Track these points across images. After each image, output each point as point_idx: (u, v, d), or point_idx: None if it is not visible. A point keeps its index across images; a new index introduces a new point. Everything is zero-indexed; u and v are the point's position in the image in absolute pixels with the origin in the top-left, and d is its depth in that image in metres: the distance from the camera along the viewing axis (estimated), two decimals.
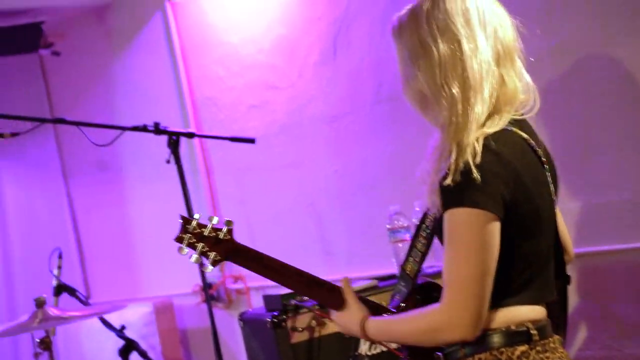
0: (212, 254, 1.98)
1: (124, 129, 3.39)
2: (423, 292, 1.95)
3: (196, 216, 1.99)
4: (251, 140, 3.47)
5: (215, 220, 1.98)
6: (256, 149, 3.72)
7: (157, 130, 3.37)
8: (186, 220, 1.98)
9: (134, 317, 4.29)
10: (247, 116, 4.21)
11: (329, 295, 2.02)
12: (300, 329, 2.93)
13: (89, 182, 5.13)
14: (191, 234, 1.97)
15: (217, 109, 4.37)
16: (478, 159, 1.65)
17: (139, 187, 4.83)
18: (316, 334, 2.96)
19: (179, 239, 1.97)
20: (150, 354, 3.87)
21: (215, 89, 4.36)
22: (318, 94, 3.90)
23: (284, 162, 4.09)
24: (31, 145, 4.95)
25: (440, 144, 1.71)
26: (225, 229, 1.98)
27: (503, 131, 1.72)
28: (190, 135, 3.53)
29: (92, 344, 4.39)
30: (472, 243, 1.65)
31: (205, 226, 1.97)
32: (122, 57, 4.81)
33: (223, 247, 1.98)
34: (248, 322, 3.16)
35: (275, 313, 2.94)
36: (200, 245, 1.97)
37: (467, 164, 1.65)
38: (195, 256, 1.98)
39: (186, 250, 1.97)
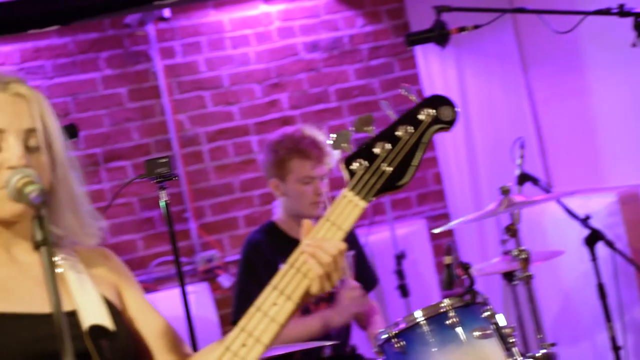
0: None
1: (586, 13, 3.28)
2: None
3: None
4: None
5: None
6: None
7: (622, 12, 3.20)
8: None
9: (598, 207, 4.21)
10: None
11: None
12: None
13: (548, 72, 5.09)
14: None
15: None
16: None
17: (602, 74, 4.67)
18: None
19: None
20: (617, 245, 3.80)
21: None
22: None
23: None
24: (490, 37, 5.02)
25: None
26: None
27: None
28: None
29: (556, 232, 4.43)
30: None
31: None
32: None
33: None
34: None
35: None
36: None
37: None
38: None
39: None
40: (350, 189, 1.76)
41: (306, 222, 1.79)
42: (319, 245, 1.72)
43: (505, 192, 3.26)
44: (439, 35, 3.25)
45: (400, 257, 4.77)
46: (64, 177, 1.79)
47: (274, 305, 1.71)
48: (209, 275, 4.98)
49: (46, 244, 1.43)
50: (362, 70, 5.32)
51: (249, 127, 5.14)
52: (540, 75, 5.16)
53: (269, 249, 3.60)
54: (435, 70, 5.25)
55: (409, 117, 1.78)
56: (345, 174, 1.77)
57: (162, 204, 2.67)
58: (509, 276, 3.55)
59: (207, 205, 5.07)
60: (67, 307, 1.70)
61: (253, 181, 5.10)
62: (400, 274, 4.76)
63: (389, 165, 1.76)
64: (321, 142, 3.59)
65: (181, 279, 2.63)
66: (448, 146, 5.28)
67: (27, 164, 1.69)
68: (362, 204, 1.76)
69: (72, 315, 1.70)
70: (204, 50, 5.08)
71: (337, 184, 5.10)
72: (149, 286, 4.82)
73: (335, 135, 1.79)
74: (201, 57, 5.08)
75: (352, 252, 3.76)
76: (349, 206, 1.75)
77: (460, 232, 5.24)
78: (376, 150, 1.76)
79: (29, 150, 1.73)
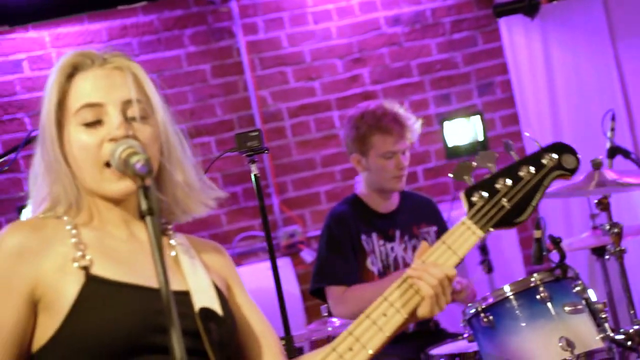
0: None
1: None
2: None
3: None
4: None
5: None
6: None
7: None
8: None
9: None
10: None
11: None
12: None
13: (638, 43, 4.96)
14: None
15: None
16: None
17: None
18: None
19: None
20: None
21: None
22: None
23: None
24: (578, 8, 4.91)
25: None
26: None
27: None
28: None
29: None
30: None
31: None
32: None
33: None
34: None
35: None
36: None
37: None
38: None
39: None
40: (469, 217, 1.84)
41: (423, 244, 1.85)
42: (426, 269, 1.77)
43: (597, 165, 3.19)
44: (528, 5, 3.20)
45: None
46: (169, 146, 1.80)
47: (383, 315, 1.75)
48: (291, 251, 5.02)
49: (151, 214, 1.44)
50: (445, 44, 5.26)
51: (330, 103, 5.14)
52: (629, 47, 5.02)
53: (353, 221, 3.61)
54: (520, 44, 5.15)
55: (532, 160, 1.88)
56: (465, 204, 1.86)
57: (253, 177, 2.70)
58: (598, 251, 3.49)
59: (289, 180, 5.10)
60: (180, 287, 1.74)
61: (335, 156, 5.11)
62: (483, 249, 4.69)
63: (509, 201, 1.84)
64: (402, 117, 3.57)
65: (271, 252, 2.65)
66: (532, 120, 5.19)
67: (127, 134, 1.70)
68: (480, 233, 1.83)
69: (185, 295, 1.73)
70: (286, 25, 5.09)
71: (416, 160, 5.09)
72: (233, 261, 4.88)
73: (456, 167, 1.88)
74: (283, 32, 5.09)
75: (434, 228, 3.75)
76: (466, 233, 1.82)
77: (544, 207, 5.16)
78: (497, 185, 1.85)
79: (129, 121, 1.74)
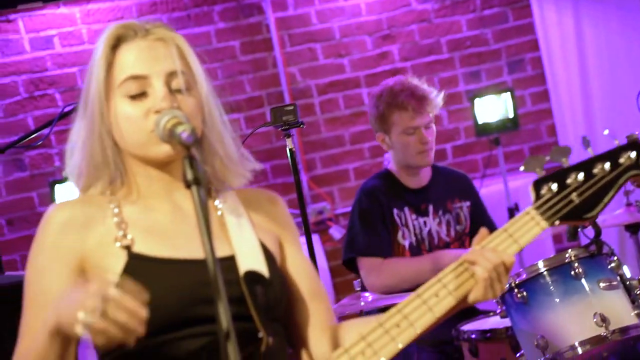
0: None
1: None
2: None
3: None
4: None
5: None
6: None
7: None
8: None
9: None
10: None
11: None
12: None
13: None
14: None
15: None
16: None
17: None
18: None
19: None
20: None
21: None
22: None
23: None
24: None
25: None
26: None
27: None
28: None
29: None
30: None
31: None
32: None
33: None
34: None
35: None
36: None
37: None
38: None
39: None
40: (534, 208, 1.82)
41: (482, 230, 1.83)
42: (482, 253, 1.75)
43: (633, 141, 3.16)
44: None
45: (513, 210, 4.71)
46: (211, 118, 1.79)
47: (435, 296, 1.74)
48: (319, 227, 5.02)
49: (197, 183, 1.43)
50: (475, 20, 5.22)
51: (359, 80, 5.13)
52: None
53: (384, 195, 3.59)
54: (552, 20, 5.11)
55: (608, 157, 1.85)
56: (532, 194, 1.84)
57: (288, 151, 2.70)
58: (632, 228, 3.47)
59: (317, 157, 5.10)
60: (225, 251, 1.72)
61: (363, 133, 5.10)
62: None
63: (579, 196, 1.82)
64: (419, 92, 3.52)
65: (306, 227, 2.66)
66: (563, 97, 5.15)
67: (171, 106, 1.69)
68: (544, 224, 1.81)
69: (230, 260, 1.71)
70: (316, 2, 5.07)
71: (445, 137, 5.07)
72: None
73: (528, 159, 1.87)
74: (312, 9, 5.08)
75: (467, 203, 3.73)
76: (530, 223, 1.81)
77: None
78: (568, 180, 1.83)
79: (173, 92, 1.73)
